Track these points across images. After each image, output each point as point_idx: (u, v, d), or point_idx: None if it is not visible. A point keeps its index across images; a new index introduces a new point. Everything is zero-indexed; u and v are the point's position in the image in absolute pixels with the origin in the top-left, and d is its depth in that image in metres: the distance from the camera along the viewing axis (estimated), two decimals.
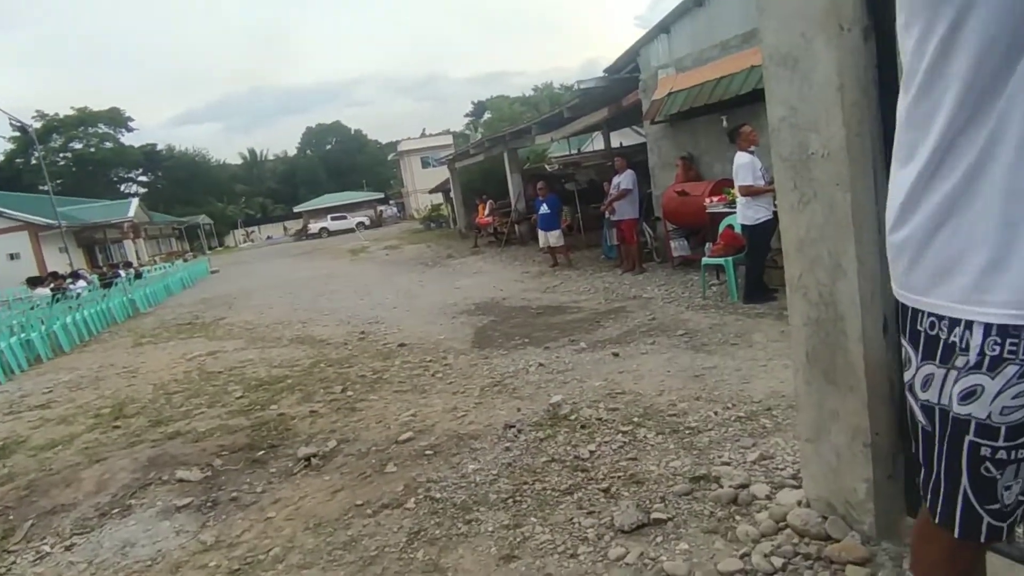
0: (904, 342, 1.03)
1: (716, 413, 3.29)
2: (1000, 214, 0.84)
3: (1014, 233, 0.84)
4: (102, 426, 4.77)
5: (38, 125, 43.51)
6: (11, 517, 3.29)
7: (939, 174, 0.89)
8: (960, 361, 0.91)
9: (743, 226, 5.91)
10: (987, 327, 0.87)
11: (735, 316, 5.42)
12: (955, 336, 0.91)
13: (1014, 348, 0.86)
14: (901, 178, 0.96)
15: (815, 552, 1.90)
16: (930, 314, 0.94)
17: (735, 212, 6.16)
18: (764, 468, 2.58)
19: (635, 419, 3.35)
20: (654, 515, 2.32)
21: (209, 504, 3.12)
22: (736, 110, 7.35)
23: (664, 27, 8.59)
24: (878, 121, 1.65)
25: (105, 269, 21.79)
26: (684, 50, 8.32)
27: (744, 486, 2.41)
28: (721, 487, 2.45)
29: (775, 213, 5.87)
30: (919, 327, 0.97)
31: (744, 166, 5.69)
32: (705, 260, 6.51)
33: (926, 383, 0.97)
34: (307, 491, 3.10)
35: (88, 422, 4.96)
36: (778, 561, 1.90)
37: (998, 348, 0.87)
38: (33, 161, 40.21)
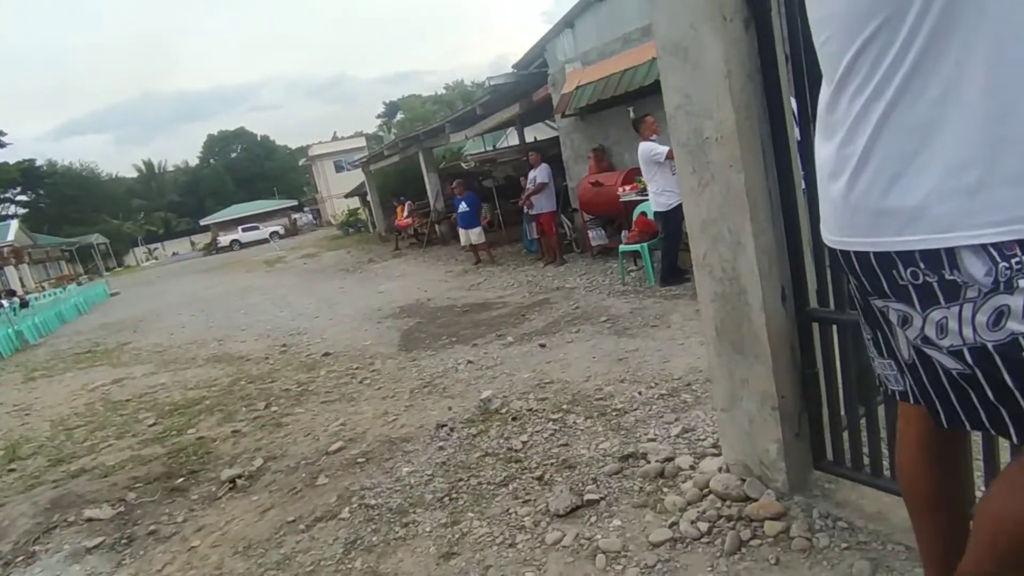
0: (884, 304, 0.98)
1: (640, 393, 3.41)
2: (978, 136, 0.83)
3: (996, 152, 0.82)
4: None
5: None
6: None
7: (899, 110, 0.88)
8: (971, 292, 0.86)
9: (656, 213, 6.15)
10: (986, 248, 0.84)
11: (653, 299, 5.64)
12: (953, 270, 0.87)
13: (1020, 263, 0.83)
14: (845, 129, 0.95)
15: (736, 513, 2.01)
16: (911, 259, 0.90)
17: (647, 199, 6.39)
18: (687, 440, 2.71)
19: (564, 406, 3.42)
20: (587, 496, 2.38)
21: (124, 541, 2.91)
22: (641, 101, 7.62)
23: (568, 22, 8.78)
24: (764, 105, 1.76)
25: None
26: (589, 44, 8.53)
27: (669, 459, 2.52)
28: (648, 463, 2.55)
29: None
30: (901, 280, 0.92)
31: (648, 148, 5.91)
32: (622, 247, 6.73)
33: (941, 329, 0.91)
34: (234, 514, 2.96)
35: None
36: (704, 526, 2.01)
37: (1007, 269, 0.83)
38: None
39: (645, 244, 6.41)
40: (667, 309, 5.19)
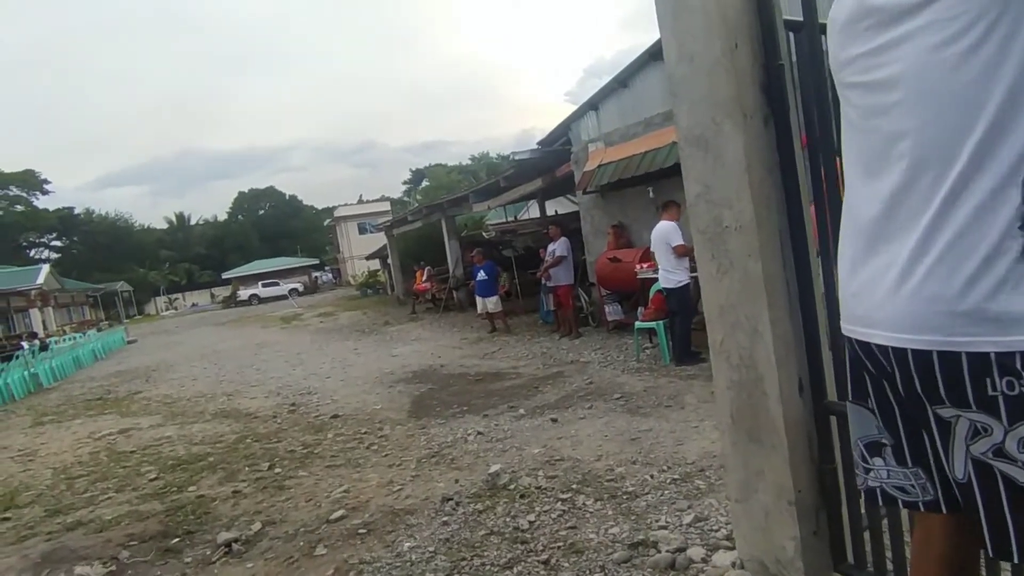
0: (954, 413, 0.91)
1: (652, 476, 3.31)
2: None
3: None
4: None
5: None
6: None
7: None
8: None
9: (666, 290, 6.19)
10: None
11: (668, 379, 5.56)
12: None
13: None
14: (927, 218, 0.90)
15: None
16: (1010, 365, 0.83)
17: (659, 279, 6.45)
18: (699, 530, 2.60)
19: (574, 486, 3.33)
20: None
21: None
22: (662, 181, 7.82)
23: (593, 104, 9.16)
24: (782, 197, 1.80)
25: (4, 341, 20.08)
26: (612, 125, 8.86)
27: (681, 550, 2.41)
28: (659, 552, 2.45)
29: (694, 278, 6.23)
30: (992, 390, 0.85)
31: (671, 228, 6.04)
32: (638, 324, 6.71)
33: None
34: None
35: None
36: None
37: None
38: None
39: (661, 322, 6.39)
40: (681, 389, 5.11)
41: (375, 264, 30.28)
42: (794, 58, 1.78)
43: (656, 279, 6.93)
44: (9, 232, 47.11)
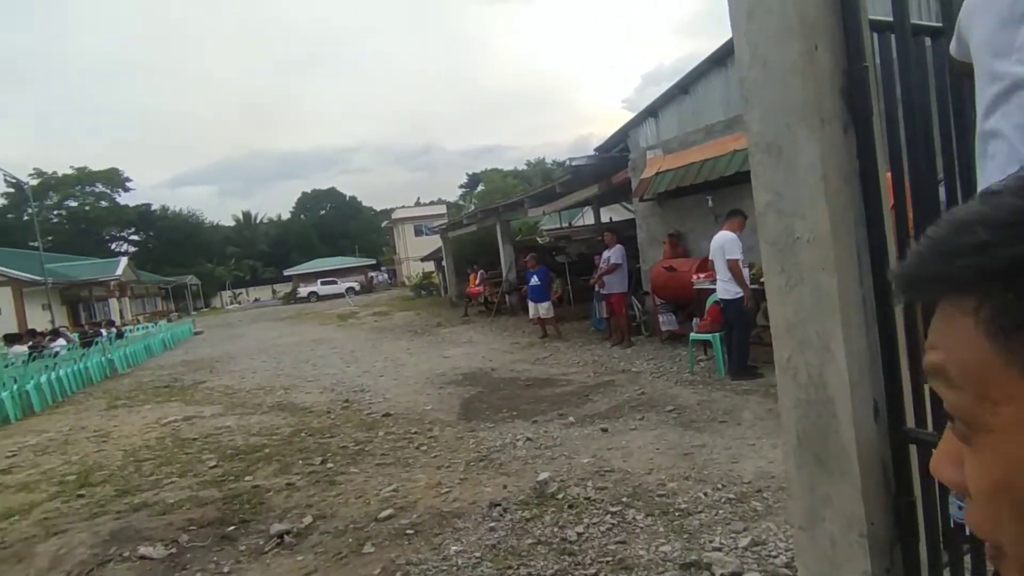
0: None
1: (706, 494, 3.20)
2: None
3: None
4: (65, 494, 4.54)
5: (35, 182, 43.92)
6: None
7: None
8: None
9: (723, 301, 6.00)
10: None
11: (723, 392, 5.38)
12: None
13: None
14: None
15: None
16: None
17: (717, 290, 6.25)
18: (756, 555, 2.48)
19: (624, 499, 3.25)
20: None
21: None
22: (721, 190, 7.60)
23: (652, 111, 9.03)
24: (860, 208, 1.70)
25: (87, 327, 21.43)
26: (671, 132, 8.69)
27: (737, 575, 2.31)
28: (713, 575, 2.35)
29: (755, 290, 6.02)
30: None
31: (731, 240, 5.84)
32: (693, 335, 6.53)
33: None
34: (277, 572, 2.93)
35: (51, 490, 4.72)
36: None
37: None
38: (25, 217, 40.31)
39: (717, 334, 6.20)
40: (737, 405, 4.93)
41: (430, 266, 30.76)
42: (878, 60, 1.67)
43: (713, 290, 6.73)
44: (94, 226, 50.39)
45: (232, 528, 3.52)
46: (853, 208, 1.68)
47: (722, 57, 7.64)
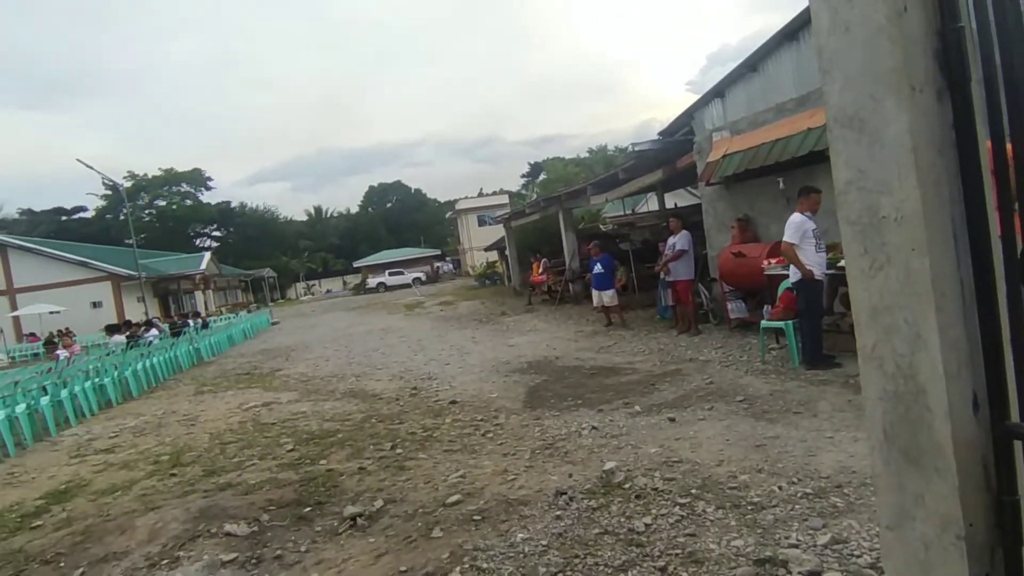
0: None
1: (781, 488, 3.07)
2: None
3: None
4: (160, 473, 4.89)
5: (128, 184, 47.34)
6: (62, 564, 3.35)
7: None
8: None
9: (794, 284, 5.72)
10: None
11: (797, 383, 5.15)
12: None
13: None
14: None
15: None
16: None
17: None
18: (837, 554, 2.36)
19: (693, 491, 3.17)
20: None
21: (254, 561, 3.10)
22: (793, 171, 7.24)
23: (719, 92, 8.67)
24: (957, 183, 1.56)
25: (176, 318, 22.95)
26: (739, 113, 8.33)
27: (816, 573, 2.20)
28: (789, 573, 2.25)
29: (830, 275, 5.70)
30: None
31: (794, 224, 5.57)
32: (764, 323, 6.27)
33: None
34: (351, 553, 3.04)
35: (148, 468, 5.10)
36: None
37: None
38: (121, 217, 43.53)
39: (790, 322, 5.92)
40: (813, 396, 4.70)
41: (493, 255, 31.02)
42: (974, 20, 1.52)
43: (785, 276, 6.43)
44: (180, 224, 53.79)
45: (308, 509, 3.68)
46: (948, 183, 1.54)
47: (794, 31, 7.22)
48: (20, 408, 6.93)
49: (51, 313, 23.78)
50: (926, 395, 1.61)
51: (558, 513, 3.10)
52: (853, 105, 1.67)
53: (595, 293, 10.60)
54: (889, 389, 1.72)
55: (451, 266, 50.32)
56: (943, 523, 1.62)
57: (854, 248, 1.76)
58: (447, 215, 55.55)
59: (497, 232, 27.19)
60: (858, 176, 1.71)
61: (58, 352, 12.38)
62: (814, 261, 5.54)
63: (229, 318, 23.53)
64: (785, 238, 5.64)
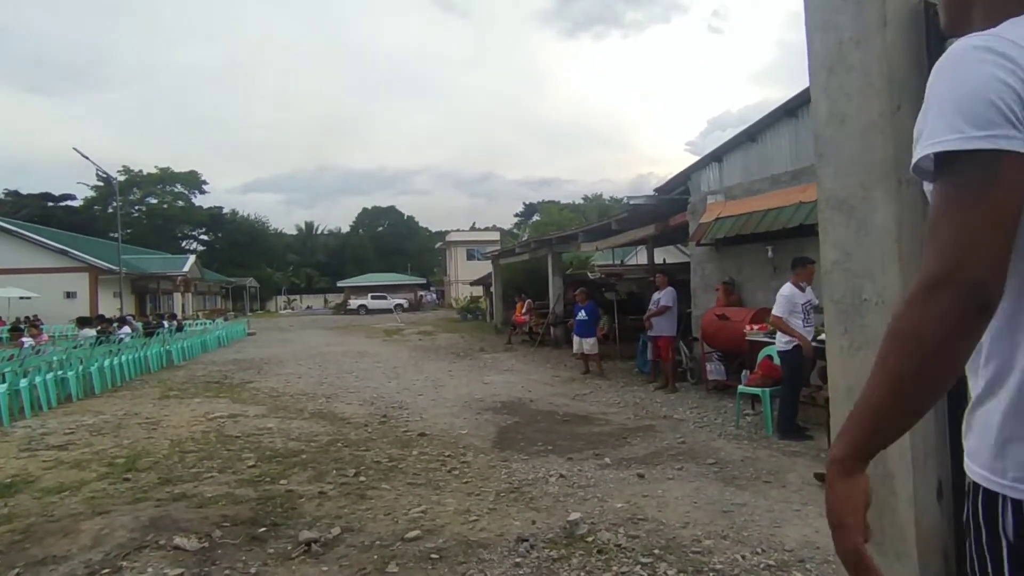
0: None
1: (744, 557, 3.05)
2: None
3: None
4: (113, 476, 4.73)
5: (122, 178, 47.00)
6: None
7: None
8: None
9: (779, 352, 5.79)
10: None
11: (769, 451, 5.16)
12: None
13: None
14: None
15: None
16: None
17: (775, 343, 6.04)
18: None
19: (656, 551, 3.13)
20: None
21: None
22: (782, 241, 7.41)
23: (717, 156, 8.93)
24: None
25: (151, 318, 22.53)
26: (734, 179, 8.57)
27: None
28: None
29: (816, 348, 5.77)
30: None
31: (783, 297, 5.68)
32: (741, 388, 6.32)
33: None
34: None
35: (100, 470, 4.93)
36: None
37: None
38: (109, 210, 43.05)
39: (767, 389, 5.97)
40: (783, 466, 4.71)
41: (478, 290, 31.01)
42: None
43: (766, 343, 6.52)
44: (170, 223, 53.29)
45: (263, 530, 3.57)
46: None
47: (794, 108, 7.52)
48: None
49: (21, 299, 23.24)
50: (893, 480, 1.64)
51: (517, 560, 3.05)
52: (844, 191, 1.74)
53: (576, 339, 10.62)
54: None
55: (434, 296, 50.18)
56: None
57: (836, 327, 1.82)
58: (437, 245, 55.71)
59: (484, 267, 27.27)
60: (844, 258, 1.77)
61: (23, 339, 12.07)
62: (798, 330, 5.62)
63: (205, 324, 23.15)
64: (774, 311, 5.73)
